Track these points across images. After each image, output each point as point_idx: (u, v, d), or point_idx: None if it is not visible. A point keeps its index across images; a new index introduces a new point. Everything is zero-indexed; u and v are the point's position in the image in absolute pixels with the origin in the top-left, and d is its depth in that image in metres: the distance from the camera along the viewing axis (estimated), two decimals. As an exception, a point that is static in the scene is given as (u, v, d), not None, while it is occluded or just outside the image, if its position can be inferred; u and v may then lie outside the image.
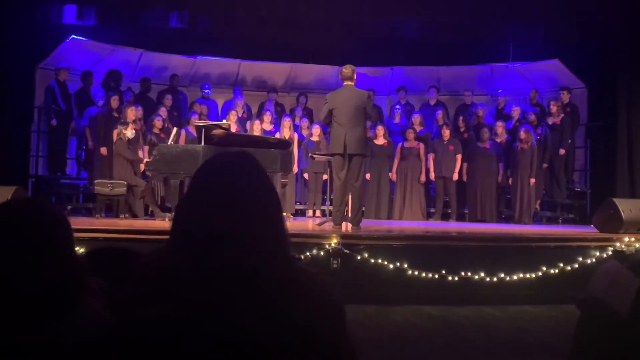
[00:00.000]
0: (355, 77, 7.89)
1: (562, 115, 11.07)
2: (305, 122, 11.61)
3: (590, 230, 8.47)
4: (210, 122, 9.69)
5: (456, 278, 6.65)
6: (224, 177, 1.50)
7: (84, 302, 1.70)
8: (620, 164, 10.84)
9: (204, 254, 1.42)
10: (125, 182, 8.99)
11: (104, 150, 9.88)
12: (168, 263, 1.47)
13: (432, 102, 12.45)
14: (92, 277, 1.86)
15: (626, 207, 7.85)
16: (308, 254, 6.52)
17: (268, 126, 10.98)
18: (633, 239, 7.25)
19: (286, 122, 11.12)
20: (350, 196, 7.98)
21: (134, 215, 9.34)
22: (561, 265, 6.86)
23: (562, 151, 10.96)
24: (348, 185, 7.83)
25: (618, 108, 10.97)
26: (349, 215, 8.08)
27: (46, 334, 1.59)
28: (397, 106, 12.32)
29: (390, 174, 11.22)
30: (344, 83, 7.85)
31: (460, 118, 11.70)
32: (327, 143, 10.87)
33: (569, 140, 11.14)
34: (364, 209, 10.92)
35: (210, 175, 1.52)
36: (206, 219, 1.45)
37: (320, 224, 8.45)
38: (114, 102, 10.22)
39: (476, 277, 6.68)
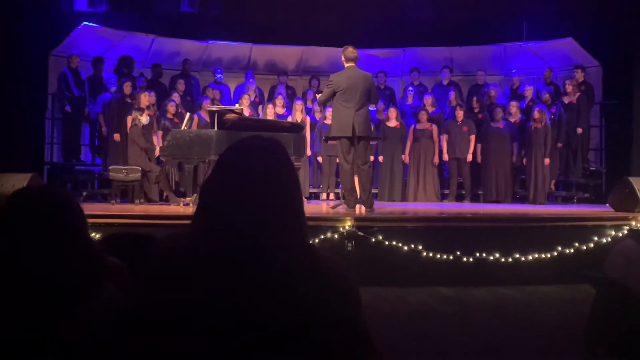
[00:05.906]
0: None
1: (578, 94, 10.98)
2: (317, 105, 11.59)
3: (605, 210, 8.42)
4: (223, 106, 9.70)
5: (471, 259, 6.65)
6: (250, 159, 1.51)
7: (101, 287, 1.72)
8: (636, 142, 10.73)
9: (225, 234, 1.43)
10: (140, 168, 9.03)
11: (117, 137, 9.91)
12: (190, 243, 1.48)
13: (445, 83, 12.36)
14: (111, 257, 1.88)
15: (642, 185, 7.79)
16: (322, 237, 6.53)
17: (280, 110, 10.96)
18: (649, 217, 7.20)
19: (298, 106, 11.12)
20: (358, 179, 7.82)
21: (149, 201, 9.41)
22: (576, 245, 6.83)
23: (579, 130, 10.88)
24: (356, 168, 7.70)
25: (633, 86, 10.84)
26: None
27: (64, 318, 1.62)
28: (410, 87, 12.24)
29: (403, 156, 11.18)
30: (348, 64, 7.68)
31: (474, 98, 11.61)
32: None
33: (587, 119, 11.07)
34: (377, 191, 10.92)
35: (237, 157, 1.53)
36: (229, 199, 1.47)
37: (334, 207, 8.43)
38: (127, 88, 10.23)
39: (491, 257, 6.67)
